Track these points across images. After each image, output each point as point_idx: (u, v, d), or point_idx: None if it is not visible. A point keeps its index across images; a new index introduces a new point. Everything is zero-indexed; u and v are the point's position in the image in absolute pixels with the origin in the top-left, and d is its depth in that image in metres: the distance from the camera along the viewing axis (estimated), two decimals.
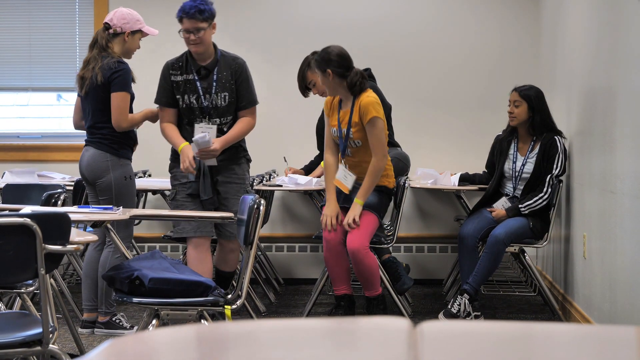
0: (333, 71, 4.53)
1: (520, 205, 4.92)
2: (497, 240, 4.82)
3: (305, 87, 5.30)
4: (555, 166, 4.91)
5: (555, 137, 4.95)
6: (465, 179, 5.56)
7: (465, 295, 4.82)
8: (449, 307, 4.83)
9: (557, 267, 5.50)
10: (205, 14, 4.27)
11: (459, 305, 4.81)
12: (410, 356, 1.18)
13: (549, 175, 4.91)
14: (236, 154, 4.44)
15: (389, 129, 5.42)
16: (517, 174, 5.06)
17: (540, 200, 4.90)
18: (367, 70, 5.40)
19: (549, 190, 4.90)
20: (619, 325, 3.60)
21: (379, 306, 4.73)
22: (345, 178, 4.62)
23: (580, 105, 4.84)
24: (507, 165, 5.12)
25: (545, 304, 5.47)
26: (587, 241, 4.53)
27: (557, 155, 4.91)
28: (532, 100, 4.99)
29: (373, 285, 4.70)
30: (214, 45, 4.43)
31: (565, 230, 5.20)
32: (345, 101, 4.66)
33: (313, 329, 1.35)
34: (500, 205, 5.05)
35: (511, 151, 5.12)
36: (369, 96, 4.55)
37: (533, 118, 4.99)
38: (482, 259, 4.83)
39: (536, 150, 4.99)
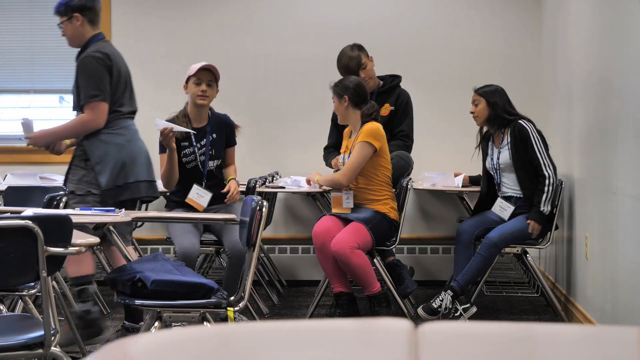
0: (350, 99, 4.82)
1: (539, 207, 4.87)
2: (491, 243, 4.83)
3: (347, 69, 5.32)
4: (537, 150, 4.87)
5: (520, 120, 4.95)
6: (475, 181, 5.57)
7: (449, 291, 4.84)
8: (431, 302, 4.86)
9: (560, 268, 5.50)
10: (56, 8, 4.38)
11: (441, 300, 4.83)
12: (412, 358, 1.17)
13: (540, 159, 4.86)
14: (75, 157, 4.21)
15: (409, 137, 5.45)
16: (495, 165, 5.07)
17: (550, 187, 4.85)
18: (399, 77, 5.48)
19: (549, 173, 4.85)
20: (620, 325, 3.59)
21: (382, 304, 4.72)
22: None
23: (581, 105, 4.83)
24: (487, 162, 5.15)
25: (547, 305, 5.47)
26: (589, 242, 4.52)
27: (532, 139, 4.88)
28: (487, 95, 5.01)
29: (369, 283, 4.70)
30: (89, 40, 4.31)
31: (567, 231, 5.20)
32: (353, 131, 4.91)
33: (313, 330, 1.35)
34: (498, 208, 5.06)
35: (489, 148, 5.15)
36: (374, 124, 4.79)
37: (489, 113, 5.01)
38: (474, 259, 4.85)
39: (507, 138, 5.00)
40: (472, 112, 5.09)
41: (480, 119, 5.07)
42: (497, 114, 4.99)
